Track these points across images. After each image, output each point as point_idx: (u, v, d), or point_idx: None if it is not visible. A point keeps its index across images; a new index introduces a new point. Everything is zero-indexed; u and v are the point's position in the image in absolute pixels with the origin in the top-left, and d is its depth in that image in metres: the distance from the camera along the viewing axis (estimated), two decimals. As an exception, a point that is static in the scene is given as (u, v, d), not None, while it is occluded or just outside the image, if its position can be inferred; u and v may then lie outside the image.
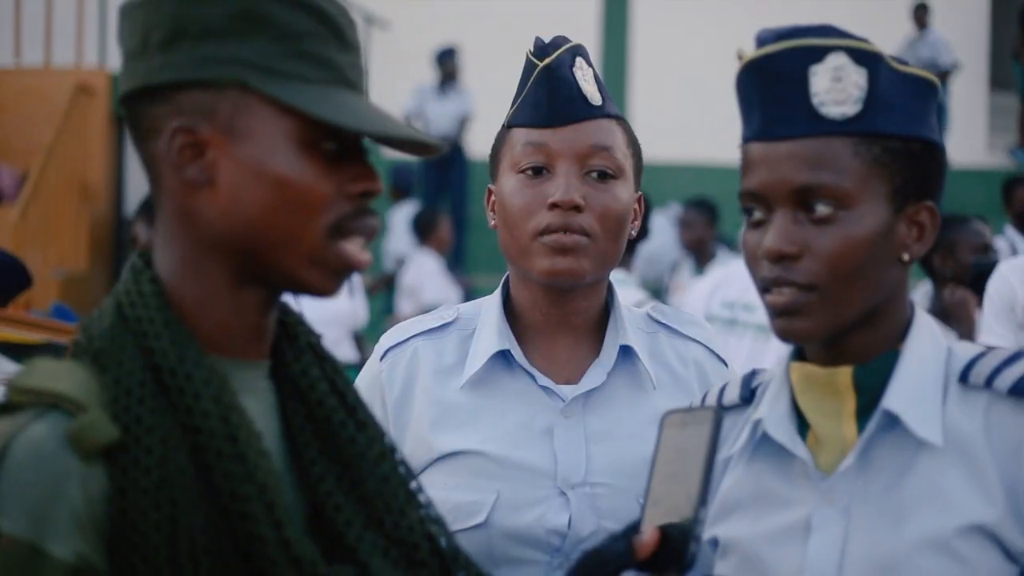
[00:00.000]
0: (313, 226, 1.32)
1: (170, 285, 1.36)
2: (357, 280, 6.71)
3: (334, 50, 1.35)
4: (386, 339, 2.05)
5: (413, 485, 1.45)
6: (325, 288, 1.36)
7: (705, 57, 12.86)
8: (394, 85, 12.37)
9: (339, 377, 1.45)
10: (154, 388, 1.29)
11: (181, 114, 1.32)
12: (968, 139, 13.44)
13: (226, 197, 1.32)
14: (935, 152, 1.55)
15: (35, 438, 1.24)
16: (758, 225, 1.53)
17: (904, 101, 1.52)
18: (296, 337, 1.44)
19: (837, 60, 1.50)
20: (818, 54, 1.50)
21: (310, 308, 6.15)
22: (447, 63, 11.66)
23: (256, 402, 1.37)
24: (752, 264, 1.53)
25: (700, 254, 8.35)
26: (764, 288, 1.52)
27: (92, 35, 11.15)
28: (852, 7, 12.66)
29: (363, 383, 2.03)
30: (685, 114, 13.01)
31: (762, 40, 1.53)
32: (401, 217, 10.94)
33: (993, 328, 3.90)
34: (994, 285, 3.94)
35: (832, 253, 1.49)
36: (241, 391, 1.35)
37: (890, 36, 12.40)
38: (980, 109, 13.74)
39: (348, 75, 1.36)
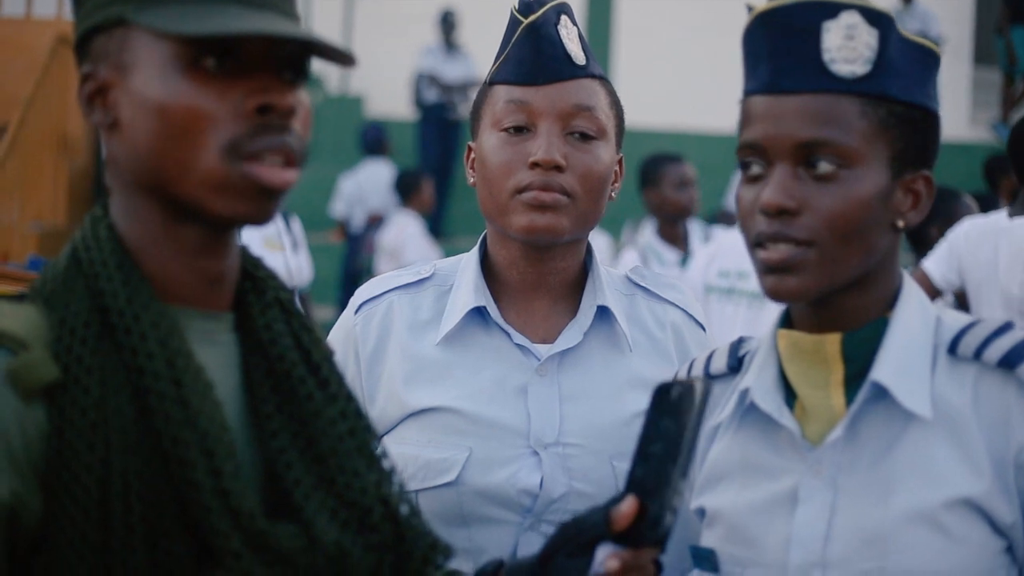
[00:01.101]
0: (203, 149, 1.29)
1: (122, 231, 1.35)
2: (300, 235, 6.66)
3: None
4: (361, 292, 2.04)
5: (374, 447, 1.42)
6: (242, 214, 1.31)
7: (690, 25, 12.83)
8: (390, 47, 12.32)
9: (306, 334, 1.43)
10: (99, 329, 1.29)
11: (89, 62, 1.35)
12: (951, 113, 13.44)
13: (128, 135, 1.32)
14: (934, 122, 1.55)
15: None
16: (755, 180, 1.52)
17: (909, 68, 1.52)
18: (264, 291, 1.42)
19: (850, 18, 1.49)
20: (832, 10, 1.49)
21: None
22: (447, 25, 11.70)
23: (216, 353, 1.36)
24: (746, 219, 1.52)
25: None
26: (757, 243, 1.50)
27: (74, -13, 11.05)
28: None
29: (336, 336, 2.02)
30: (669, 80, 12.98)
31: None
32: (373, 175, 10.92)
33: (935, 265, 4.11)
34: (954, 234, 4.13)
35: (832, 211, 1.48)
36: (198, 341, 1.33)
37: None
38: (963, 83, 13.74)
39: None
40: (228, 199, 1.30)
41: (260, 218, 1.32)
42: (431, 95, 11.56)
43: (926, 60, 1.54)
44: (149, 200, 1.33)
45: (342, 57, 1.33)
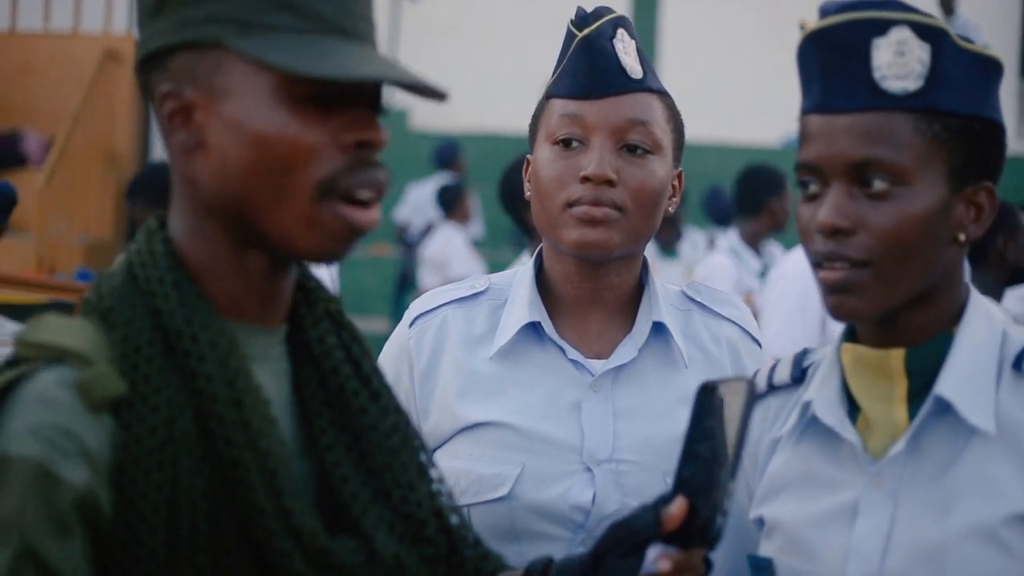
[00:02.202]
0: (301, 184, 1.28)
1: (181, 247, 1.34)
2: None
3: None
4: (416, 306, 2.03)
5: (424, 459, 1.42)
6: (323, 252, 1.31)
7: (743, 37, 12.81)
8: (425, 57, 12.35)
9: (356, 345, 1.43)
10: (162, 348, 1.28)
11: (170, 79, 1.31)
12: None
13: (215, 159, 1.30)
14: (996, 132, 1.52)
15: (43, 384, 1.23)
16: (813, 198, 1.50)
17: (967, 79, 1.49)
18: (315, 304, 1.41)
19: (901, 34, 1.47)
20: (882, 27, 1.47)
21: None
22: None
23: (269, 367, 1.35)
24: (805, 238, 1.51)
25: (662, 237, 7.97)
26: (816, 263, 1.49)
27: (121, 1, 11.16)
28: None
29: (391, 349, 2.02)
30: (713, 93, 12.96)
31: (825, 10, 1.50)
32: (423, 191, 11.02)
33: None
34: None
35: (887, 229, 1.46)
36: (254, 357, 1.33)
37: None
38: (1010, 96, 13.66)
39: (337, 22, 1.31)
40: (314, 237, 1.30)
41: (337, 256, 1.32)
42: None
43: (985, 69, 1.51)
44: (221, 223, 1.32)
45: (435, 93, 1.32)
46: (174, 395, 1.26)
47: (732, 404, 1.41)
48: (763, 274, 5.98)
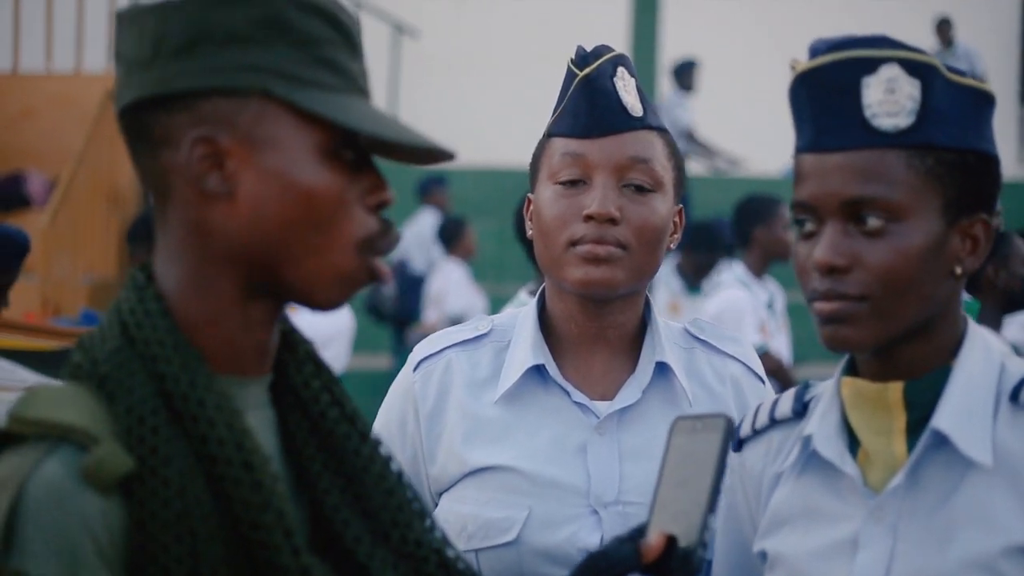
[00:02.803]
0: (340, 239, 1.29)
1: (175, 301, 1.30)
2: None
3: (348, 57, 1.32)
4: (420, 349, 2.04)
5: (410, 495, 1.41)
6: (337, 302, 1.33)
7: (733, 69, 12.84)
8: (424, 93, 12.39)
9: (336, 387, 1.41)
10: (167, 416, 1.25)
11: (201, 123, 1.27)
12: (999, 151, 13.38)
13: (247, 209, 1.27)
14: (990, 164, 1.54)
15: (50, 478, 1.19)
16: (809, 236, 1.52)
17: (959, 112, 1.51)
18: (295, 347, 1.40)
19: (890, 72, 1.48)
20: (871, 65, 1.49)
21: (319, 323, 6.09)
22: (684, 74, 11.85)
23: (259, 417, 1.34)
24: (802, 276, 1.52)
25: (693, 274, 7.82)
26: (812, 298, 1.51)
27: (123, 41, 11.15)
28: (874, 23, 12.64)
29: (395, 393, 2.02)
30: (714, 124, 12.99)
31: (815, 50, 1.51)
32: (423, 224, 10.99)
33: None
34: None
35: (883, 266, 1.47)
36: (246, 409, 1.31)
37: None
38: (1009, 121, 13.68)
39: (360, 82, 1.33)
40: (341, 288, 1.31)
41: (342, 305, 1.34)
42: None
43: (979, 102, 1.53)
44: (232, 273, 1.30)
45: (446, 156, 1.34)
46: (183, 464, 1.24)
47: (710, 440, 1.43)
48: (770, 305, 5.96)
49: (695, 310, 6.91)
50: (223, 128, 1.27)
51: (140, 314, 1.29)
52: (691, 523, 1.40)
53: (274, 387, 1.38)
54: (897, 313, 1.48)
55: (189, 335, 1.29)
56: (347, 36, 1.32)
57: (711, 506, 1.40)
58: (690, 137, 12.00)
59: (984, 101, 1.53)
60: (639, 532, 1.43)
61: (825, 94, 1.49)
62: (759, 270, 6.07)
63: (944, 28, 12.56)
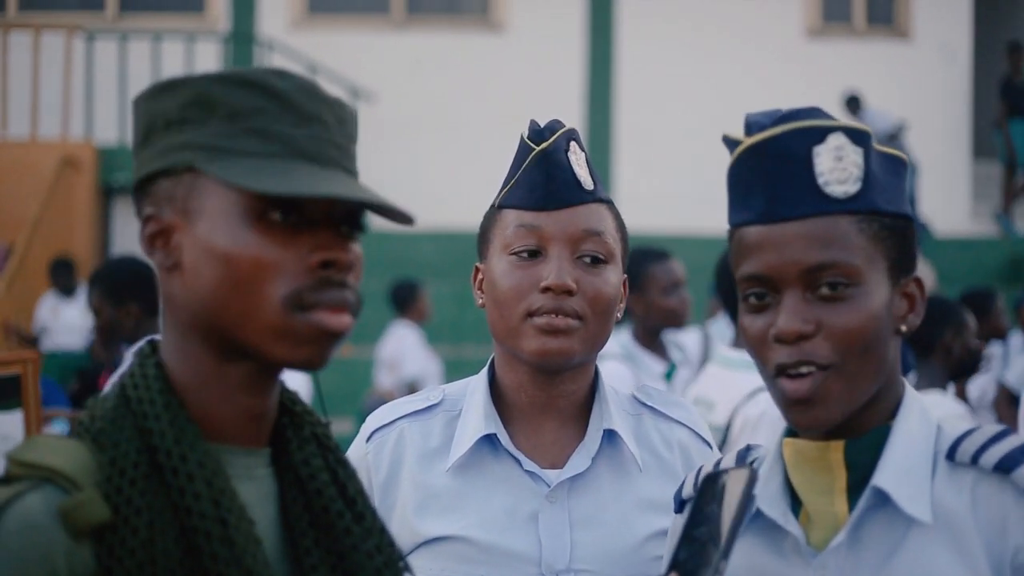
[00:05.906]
0: (266, 299, 1.32)
1: (170, 369, 1.38)
2: None
3: (287, 124, 1.36)
4: (372, 420, 2.05)
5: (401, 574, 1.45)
6: (302, 359, 1.35)
7: (690, 131, 12.94)
8: (382, 156, 12.42)
9: (342, 468, 1.46)
10: (148, 469, 1.31)
11: (152, 203, 1.38)
12: (952, 208, 13.52)
13: (189, 278, 1.35)
14: (913, 228, 1.59)
15: (27, 509, 1.26)
16: (761, 310, 1.54)
17: (888, 179, 1.56)
18: (301, 426, 1.45)
19: (837, 140, 1.52)
20: (820, 135, 1.52)
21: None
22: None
23: (254, 489, 1.38)
24: (760, 349, 1.53)
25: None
26: (778, 373, 1.52)
27: (78, 108, 11.17)
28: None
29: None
30: (670, 186, 13.07)
31: (756, 123, 1.54)
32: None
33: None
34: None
35: (847, 328, 1.50)
36: (238, 477, 1.36)
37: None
38: (964, 177, 13.84)
39: (304, 147, 1.36)
40: (289, 345, 1.33)
41: (318, 363, 1.35)
42: None
43: (898, 169, 1.58)
44: (202, 340, 1.36)
45: (401, 216, 1.37)
46: (155, 517, 1.29)
47: (732, 490, 1.45)
48: (668, 375, 4.99)
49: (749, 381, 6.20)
50: (166, 205, 1.37)
51: (139, 377, 1.37)
52: (702, 569, 1.41)
53: (278, 463, 1.43)
54: (862, 377, 1.51)
55: (182, 399, 1.37)
56: (285, 103, 1.36)
57: (726, 553, 1.41)
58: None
59: (902, 167, 1.59)
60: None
61: (779, 164, 1.52)
62: (646, 340, 4.95)
63: (853, 106, 12.69)
